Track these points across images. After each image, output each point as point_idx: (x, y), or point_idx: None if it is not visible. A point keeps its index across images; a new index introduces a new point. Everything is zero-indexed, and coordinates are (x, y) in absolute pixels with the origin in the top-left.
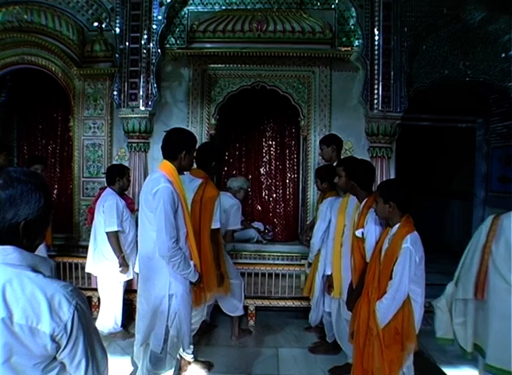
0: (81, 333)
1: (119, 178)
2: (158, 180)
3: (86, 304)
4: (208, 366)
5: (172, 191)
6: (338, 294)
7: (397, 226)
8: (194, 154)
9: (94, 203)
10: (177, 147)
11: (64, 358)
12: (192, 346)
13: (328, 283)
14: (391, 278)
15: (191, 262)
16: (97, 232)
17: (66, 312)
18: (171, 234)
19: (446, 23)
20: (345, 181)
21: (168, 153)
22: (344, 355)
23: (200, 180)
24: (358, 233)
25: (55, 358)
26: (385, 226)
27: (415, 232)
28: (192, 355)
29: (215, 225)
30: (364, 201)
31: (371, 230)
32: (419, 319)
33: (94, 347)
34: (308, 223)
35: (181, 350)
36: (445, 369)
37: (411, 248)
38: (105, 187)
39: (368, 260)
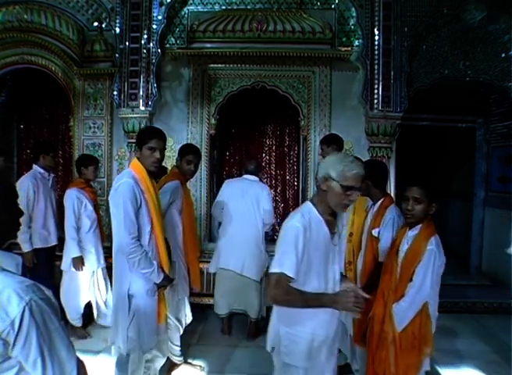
0: (34, 331)
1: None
2: (122, 175)
3: (47, 301)
4: (200, 369)
5: (134, 186)
6: None
7: (419, 227)
8: (150, 150)
9: None
10: (136, 143)
11: (17, 356)
12: (179, 348)
13: None
14: (411, 280)
15: (154, 262)
16: None
17: (15, 307)
18: (130, 230)
19: (446, 22)
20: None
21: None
22: (344, 354)
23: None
24: (375, 232)
25: (10, 357)
26: (401, 226)
27: (437, 235)
28: (181, 358)
29: None
30: (381, 200)
31: (387, 231)
32: (434, 323)
33: (55, 346)
34: None
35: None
36: (445, 369)
37: (436, 250)
38: None
39: (380, 259)
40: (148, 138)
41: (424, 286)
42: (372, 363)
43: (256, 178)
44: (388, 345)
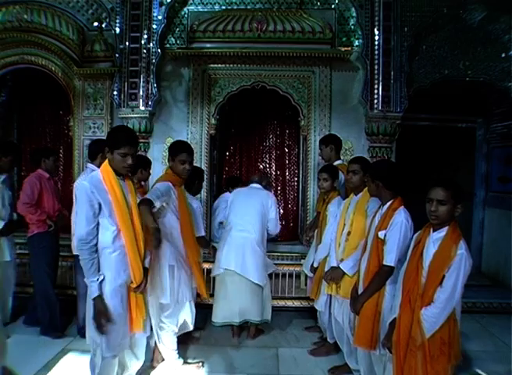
0: None
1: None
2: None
3: None
4: (199, 366)
5: (87, 188)
6: (332, 291)
7: (445, 229)
8: (118, 154)
9: None
10: (108, 145)
11: None
12: (176, 351)
13: (331, 276)
14: (440, 284)
15: (100, 275)
16: None
17: None
18: (80, 232)
19: (446, 22)
20: (359, 178)
21: None
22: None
23: None
24: (381, 234)
25: None
26: (424, 227)
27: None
28: (180, 360)
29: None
30: (390, 202)
31: (394, 234)
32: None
33: None
34: (308, 223)
35: (157, 341)
36: None
37: (466, 254)
38: None
39: (385, 262)
40: (122, 144)
41: (456, 291)
42: (401, 372)
43: (260, 186)
44: (416, 352)
